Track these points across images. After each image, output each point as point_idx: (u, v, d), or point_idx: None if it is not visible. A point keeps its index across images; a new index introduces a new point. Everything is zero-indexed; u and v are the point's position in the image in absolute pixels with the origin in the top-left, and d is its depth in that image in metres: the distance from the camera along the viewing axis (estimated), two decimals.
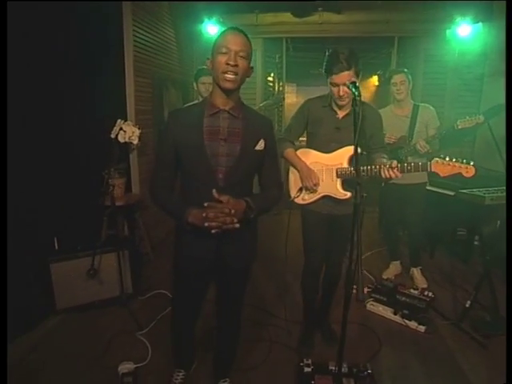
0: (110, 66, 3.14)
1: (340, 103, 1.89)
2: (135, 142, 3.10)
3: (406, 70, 2.87)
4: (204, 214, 1.31)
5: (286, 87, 9.31)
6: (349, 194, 1.92)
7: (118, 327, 2.45)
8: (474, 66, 4.15)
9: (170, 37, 4.03)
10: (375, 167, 1.83)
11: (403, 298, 2.62)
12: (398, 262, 3.26)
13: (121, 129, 3.04)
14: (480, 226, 3.07)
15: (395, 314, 2.54)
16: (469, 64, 4.16)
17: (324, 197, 1.99)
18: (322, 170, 1.98)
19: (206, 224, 1.31)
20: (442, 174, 1.77)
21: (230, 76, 1.32)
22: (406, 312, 2.50)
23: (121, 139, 3.02)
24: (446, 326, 2.47)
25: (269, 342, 2.31)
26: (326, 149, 1.97)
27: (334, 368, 1.95)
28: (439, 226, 3.53)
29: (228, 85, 1.34)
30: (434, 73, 4.33)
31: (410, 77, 2.84)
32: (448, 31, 4.05)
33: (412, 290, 2.73)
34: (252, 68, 1.42)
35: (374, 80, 7.39)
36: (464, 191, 2.96)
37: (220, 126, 1.41)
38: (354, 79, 1.69)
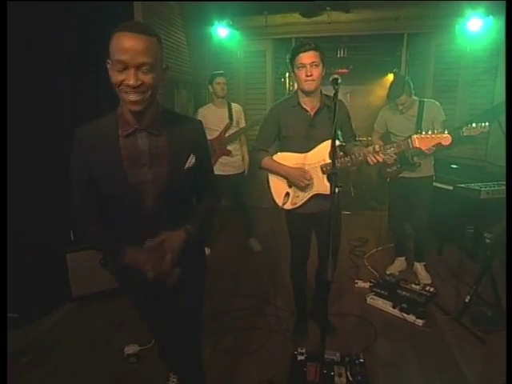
0: None
1: (307, 88, 1.88)
2: None
3: (407, 85, 2.73)
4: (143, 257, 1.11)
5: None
6: (337, 189, 1.97)
7: (128, 313, 2.60)
8: (487, 60, 4.07)
9: (181, 40, 4.20)
10: (359, 155, 1.87)
11: (403, 293, 2.65)
12: (403, 259, 3.26)
13: None
14: (486, 222, 3.03)
15: (394, 307, 2.57)
16: (481, 59, 4.08)
17: (313, 196, 2.02)
18: (306, 170, 2.00)
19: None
20: (423, 148, 1.91)
21: (133, 98, 1.06)
22: (404, 306, 2.53)
23: None
24: (445, 320, 2.48)
25: (267, 331, 2.40)
26: (304, 148, 1.99)
27: (327, 357, 2.04)
28: (448, 222, 3.50)
29: (135, 107, 1.08)
30: (445, 69, 4.27)
31: (411, 86, 2.74)
32: (458, 26, 3.99)
33: (414, 285, 2.75)
34: (167, 67, 1.15)
35: (390, 78, 7.28)
36: (461, 185, 2.94)
37: (140, 149, 1.17)
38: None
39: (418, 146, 1.87)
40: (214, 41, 4.57)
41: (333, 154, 1.53)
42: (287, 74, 5.11)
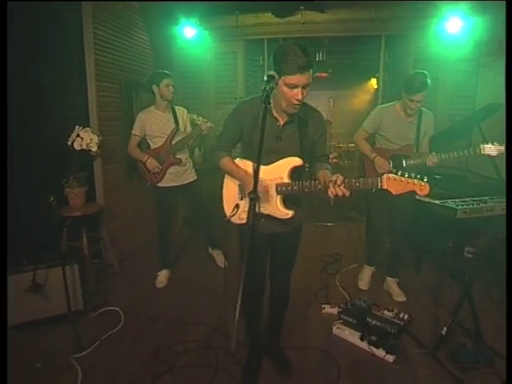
0: (71, 70, 3.01)
1: (291, 111, 1.61)
2: (94, 149, 2.96)
3: (429, 81, 2.46)
4: None
5: None
6: (291, 213, 1.68)
7: (57, 347, 2.26)
8: (467, 63, 3.84)
9: (143, 40, 3.89)
10: (319, 183, 1.59)
11: (374, 322, 2.34)
12: (372, 268, 3.05)
13: (78, 135, 2.91)
14: (467, 237, 2.75)
15: (362, 339, 2.25)
16: (461, 62, 3.85)
17: (264, 215, 1.72)
18: (264, 180, 1.72)
19: None
20: (393, 192, 1.54)
21: None
22: (373, 338, 2.21)
23: (76, 146, 2.88)
24: (419, 355, 2.17)
25: (214, 369, 2.07)
26: (265, 160, 1.67)
27: None
28: (427, 237, 3.22)
29: None
30: (425, 71, 4.03)
31: (429, 84, 2.47)
32: (439, 27, 3.76)
33: (386, 312, 2.45)
34: None
35: (373, 83, 7.08)
36: (435, 202, 2.65)
37: None
38: (272, 72, 1.46)
39: (386, 187, 1.54)
40: (180, 41, 4.28)
41: (255, 174, 1.22)
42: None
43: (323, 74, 6.54)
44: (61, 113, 2.96)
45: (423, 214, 2.86)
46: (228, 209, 1.81)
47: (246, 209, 1.75)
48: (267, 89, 1.34)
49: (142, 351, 2.25)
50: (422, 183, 1.51)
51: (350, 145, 6.43)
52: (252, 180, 1.62)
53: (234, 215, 1.76)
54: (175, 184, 3.02)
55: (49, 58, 2.80)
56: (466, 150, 2.48)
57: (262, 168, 1.69)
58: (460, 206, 2.51)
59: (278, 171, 1.67)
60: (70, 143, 2.88)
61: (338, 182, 1.52)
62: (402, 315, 2.40)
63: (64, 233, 3.00)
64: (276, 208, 1.68)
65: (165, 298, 2.91)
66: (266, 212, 1.70)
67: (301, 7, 4.08)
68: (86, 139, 2.90)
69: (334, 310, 2.60)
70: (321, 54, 5.60)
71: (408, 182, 1.52)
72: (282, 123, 1.68)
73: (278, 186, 1.66)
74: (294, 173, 1.68)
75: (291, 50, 1.47)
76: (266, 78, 1.41)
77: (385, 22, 3.99)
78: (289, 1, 3.98)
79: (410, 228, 2.78)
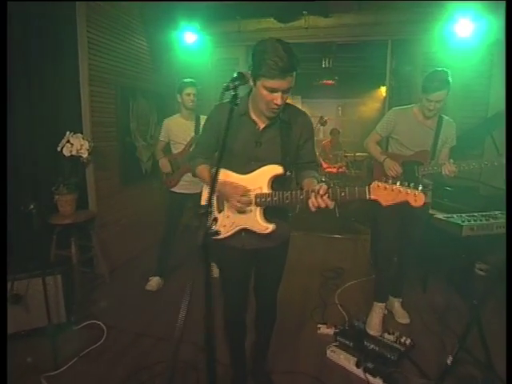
0: (63, 74, 2.95)
1: (269, 115, 1.47)
2: (84, 155, 2.87)
3: (450, 80, 2.21)
4: None
5: (288, 100, 9.09)
6: (271, 227, 1.50)
7: (31, 364, 2.14)
8: (479, 68, 3.63)
9: (141, 45, 3.82)
10: (301, 193, 1.43)
11: (372, 346, 2.14)
12: (383, 305, 2.51)
13: (68, 141, 2.83)
14: (477, 253, 2.52)
15: (358, 365, 2.04)
16: (473, 67, 3.64)
17: (243, 229, 1.57)
18: (243, 187, 1.56)
19: None
20: (383, 203, 1.34)
21: None
22: (369, 366, 2.00)
23: (66, 152, 2.80)
24: None
25: None
26: (244, 169, 1.55)
27: None
28: (435, 252, 2.98)
29: None
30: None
31: (450, 84, 2.22)
32: (447, 31, 3.58)
33: (386, 335, 2.25)
34: None
35: (383, 91, 6.88)
36: (440, 217, 2.41)
37: None
38: (244, 71, 1.31)
39: (374, 197, 1.35)
40: (180, 47, 4.21)
41: (212, 184, 1.07)
42: None
43: (330, 82, 6.40)
44: (53, 118, 2.90)
45: (428, 228, 2.64)
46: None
47: (225, 223, 1.62)
48: (229, 87, 1.20)
49: (120, 371, 2.11)
50: (417, 192, 1.29)
51: (358, 154, 6.24)
52: (232, 186, 1.50)
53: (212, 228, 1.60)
54: (187, 192, 2.99)
55: (41, 60, 2.74)
56: (489, 161, 2.25)
57: (241, 177, 1.56)
58: (466, 222, 2.27)
59: (257, 181, 1.52)
60: (59, 149, 2.81)
61: (321, 192, 1.35)
62: (403, 339, 2.19)
63: (53, 241, 2.92)
64: (255, 221, 1.52)
65: (153, 311, 2.77)
66: (246, 226, 1.55)
67: (304, 12, 3.97)
68: (76, 145, 2.82)
69: (330, 331, 2.40)
70: (327, 61, 5.46)
71: (400, 191, 1.31)
72: (261, 127, 1.53)
73: (256, 196, 1.51)
74: (276, 182, 1.52)
75: (273, 49, 1.31)
76: (234, 75, 1.27)
77: (391, 25, 3.83)
78: (292, 0, 3.83)
79: (421, 243, 2.51)
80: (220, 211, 1.62)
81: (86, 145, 2.87)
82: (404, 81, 4.11)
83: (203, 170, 1.62)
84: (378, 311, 2.44)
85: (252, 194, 1.52)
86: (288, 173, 1.55)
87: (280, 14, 4.04)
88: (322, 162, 6.50)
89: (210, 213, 1.03)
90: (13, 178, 2.59)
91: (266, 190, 1.50)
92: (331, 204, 1.37)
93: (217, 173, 1.11)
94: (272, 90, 1.36)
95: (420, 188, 1.30)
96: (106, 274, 3.25)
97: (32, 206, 2.31)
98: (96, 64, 3.15)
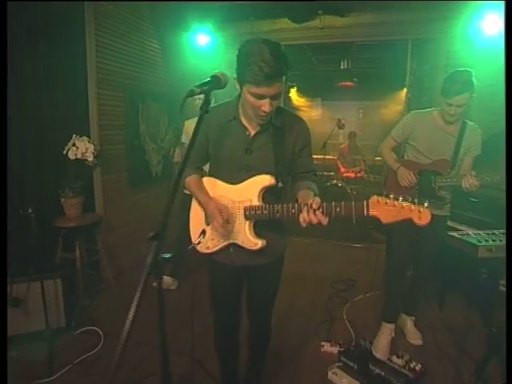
0: (71, 76, 2.96)
1: (258, 122, 1.36)
2: (90, 158, 2.87)
3: (474, 81, 2.00)
4: None
5: (308, 102, 8.88)
6: (260, 244, 1.38)
7: (26, 369, 2.12)
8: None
9: (151, 47, 3.80)
10: (293, 207, 1.30)
11: (377, 370, 1.97)
12: (392, 326, 2.32)
13: (74, 144, 2.83)
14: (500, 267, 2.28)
15: None
16: (501, 67, 3.37)
17: (232, 244, 1.46)
18: (227, 209, 1.44)
19: None
20: (384, 220, 1.19)
21: None
22: None
23: (71, 156, 2.81)
24: None
25: None
26: (234, 178, 1.43)
27: None
28: (453, 266, 2.75)
29: None
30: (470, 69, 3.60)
31: (474, 85, 2.00)
32: (474, 27, 3.34)
33: (395, 358, 2.08)
34: None
35: (404, 93, 6.58)
36: (454, 234, 2.17)
37: None
38: (219, 74, 1.20)
39: (374, 213, 1.20)
40: (192, 49, 4.16)
41: (170, 198, 0.96)
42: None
43: (349, 83, 6.19)
44: (60, 120, 2.90)
45: (443, 245, 2.42)
46: (194, 234, 1.54)
47: (213, 236, 1.51)
48: (194, 93, 1.10)
49: (112, 381, 2.04)
50: (421, 209, 1.14)
51: (377, 158, 5.99)
52: (215, 207, 1.38)
53: (199, 243, 1.50)
54: None
55: (49, 62, 2.75)
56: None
57: (229, 187, 1.45)
58: (484, 242, 2.02)
59: (246, 192, 1.40)
60: (65, 152, 2.81)
61: (314, 206, 1.23)
62: (413, 364, 2.01)
63: (59, 243, 2.92)
64: (244, 236, 1.40)
65: (156, 319, 2.70)
66: (234, 241, 1.44)
67: (319, 11, 3.83)
68: (81, 148, 2.82)
69: (335, 349, 2.25)
70: (346, 62, 5.27)
71: (403, 208, 1.16)
72: (252, 133, 1.41)
73: (246, 209, 1.39)
74: (268, 193, 1.40)
75: (258, 51, 1.18)
76: (207, 79, 1.16)
77: (411, 24, 3.62)
78: (307, 0, 3.69)
79: (438, 258, 2.30)
80: (208, 224, 1.51)
81: (92, 148, 2.86)
82: (425, 82, 3.88)
83: (192, 181, 1.51)
84: (386, 332, 2.26)
85: (241, 207, 1.41)
86: (280, 184, 1.42)
87: (294, 14, 3.92)
88: (340, 167, 6.30)
89: (162, 237, 0.92)
90: (18, 180, 2.62)
91: (255, 202, 1.38)
92: (325, 220, 1.24)
93: (174, 189, 1.00)
94: (259, 97, 1.25)
95: (426, 204, 1.15)
96: (111, 278, 3.23)
97: (30, 210, 2.31)
98: (104, 67, 3.15)
